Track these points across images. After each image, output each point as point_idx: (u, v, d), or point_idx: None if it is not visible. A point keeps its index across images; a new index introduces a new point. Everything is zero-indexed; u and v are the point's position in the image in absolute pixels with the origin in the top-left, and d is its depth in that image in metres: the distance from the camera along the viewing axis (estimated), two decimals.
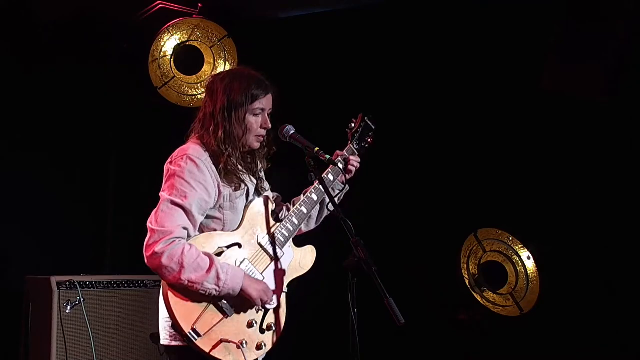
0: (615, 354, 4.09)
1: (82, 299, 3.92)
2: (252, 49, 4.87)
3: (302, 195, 2.86)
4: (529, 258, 4.48)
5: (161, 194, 2.48)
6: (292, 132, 2.72)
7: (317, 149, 2.62)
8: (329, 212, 2.97)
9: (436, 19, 4.68)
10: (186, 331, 2.36)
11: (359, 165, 2.96)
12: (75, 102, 4.94)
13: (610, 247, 4.18)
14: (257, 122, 2.64)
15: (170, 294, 2.40)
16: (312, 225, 2.99)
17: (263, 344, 2.53)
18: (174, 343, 2.47)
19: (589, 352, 4.11)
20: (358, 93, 4.88)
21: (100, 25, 4.88)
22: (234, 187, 2.59)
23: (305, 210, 2.76)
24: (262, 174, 2.83)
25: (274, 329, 2.58)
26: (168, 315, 2.42)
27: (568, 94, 4.20)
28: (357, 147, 3.01)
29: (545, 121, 4.43)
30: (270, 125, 2.68)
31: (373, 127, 3.07)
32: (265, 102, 2.66)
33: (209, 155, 2.56)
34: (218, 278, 2.39)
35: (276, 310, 2.62)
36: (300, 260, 2.77)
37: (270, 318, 2.59)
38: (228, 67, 4.91)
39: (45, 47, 4.73)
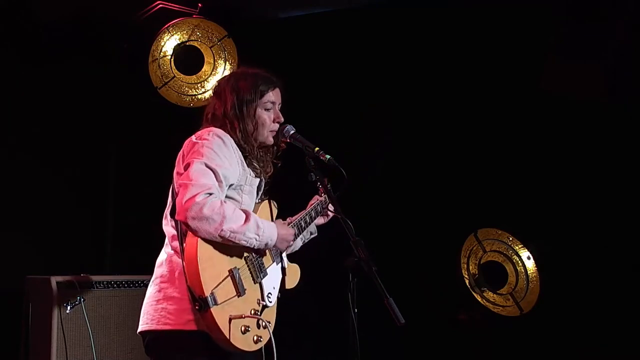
0: (615, 354, 4.09)
1: (82, 299, 3.92)
2: (252, 49, 4.87)
3: (306, 208, 2.91)
4: (529, 258, 4.48)
5: (189, 159, 2.43)
6: (292, 132, 2.73)
7: (317, 148, 2.63)
8: (309, 238, 3.03)
9: (436, 19, 4.68)
10: (207, 294, 2.28)
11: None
12: (75, 102, 4.94)
13: (610, 247, 4.18)
14: (269, 116, 2.67)
15: (200, 251, 2.32)
16: (297, 246, 3.01)
17: (260, 338, 2.50)
18: (159, 327, 2.39)
19: (589, 352, 4.11)
20: (358, 93, 4.89)
21: (100, 25, 4.88)
22: (254, 174, 2.63)
23: (303, 225, 2.84)
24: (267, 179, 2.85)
25: (268, 327, 2.55)
26: (188, 282, 2.33)
27: (568, 94, 4.20)
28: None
29: (545, 121, 4.43)
30: (282, 119, 2.71)
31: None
32: (274, 96, 2.69)
33: (234, 141, 2.58)
34: (257, 226, 2.41)
35: (271, 310, 2.62)
36: (288, 275, 2.79)
37: (266, 315, 2.58)
38: (228, 67, 4.91)
39: (45, 47, 4.72)
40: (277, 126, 2.70)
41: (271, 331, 2.58)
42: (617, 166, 4.20)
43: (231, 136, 2.58)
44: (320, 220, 3.02)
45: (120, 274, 4.30)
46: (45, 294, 3.84)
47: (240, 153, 2.58)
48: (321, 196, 3.01)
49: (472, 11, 4.54)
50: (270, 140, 2.71)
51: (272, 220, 2.75)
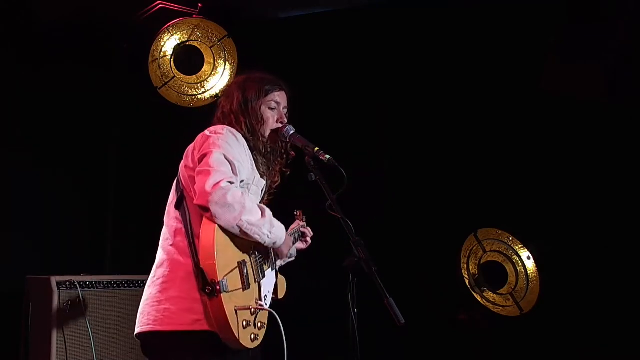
0: (615, 354, 4.09)
1: (82, 299, 3.92)
2: (252, 49, 4.87)
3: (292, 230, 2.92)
4: (529, 258, 4.47)
5: (206, 149, 2.45)
6: (292, 132, 2.75)
7: (317, 149, 2.64)
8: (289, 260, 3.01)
9: (436, 19, 4.68)
10: (219, 278, 2.29)
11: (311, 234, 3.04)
12: (76, 102, 4.94)
13: (610, 247, 4.18)
14: (273, 116, 2.72)
15: (217, 237, 2.33)
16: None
17: (257, 337, 2.49)
18: (163, 327, 2.38)
19: (589, 352, 4.11)
20: (358, 93, 4.88)
21: (100, 25, 4.88)
22: (260, 174, 2.66)
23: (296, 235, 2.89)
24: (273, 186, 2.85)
25: (263, 328, 2.56)
26: (200, 265, 2.32)
27: (568, 94, 4.20)
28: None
29: (545, 121, 4.43)
30: (285, 120, 2.75)
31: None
32: (279, 97, 2.75)
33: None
34: (272, 225, 2.46)
35: (264, 312, 2.61)
36: (279, 284, 2.81)
37: (262, 316, 2.57)
38: (228, 67, 4.91)
39: (45, 47, 4.72)
40: (280, 127, 2.73)
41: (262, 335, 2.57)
42: (617, 166, 4.20)
43: (240, 132, 2.62)
44: (300, 245, 3.01)
45: (120, 274, 4.30)
46: (45, 294, 3.84)
47: (249, 152, 2.62)
48: (302, 220, 3.03)
49: (472, 11, 4.54)
50: (270, 141, 2.73)
51: None
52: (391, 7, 4.77)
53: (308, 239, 3.01)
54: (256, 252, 2.59)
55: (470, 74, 4.62)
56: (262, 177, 2.68)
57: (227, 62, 4.92)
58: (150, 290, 2.52)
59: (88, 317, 3.93)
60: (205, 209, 2.33)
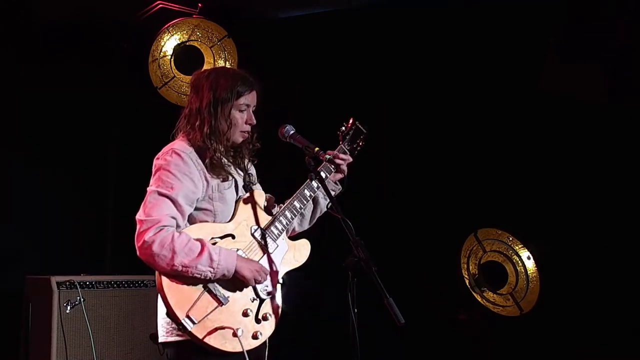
0: (615, 354, 4.09)
1: (82, 299, 3.92)
2: (252, 49, 4.87)
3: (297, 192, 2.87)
4: (529, 258, 4.47)
5: (149, 188, 2.52)
6: (292, 132, 2.74)
7: (317, 148, 2.64)
8: (321, 213, 2.99)
9: (436, 18, 4.67)
10: (181, 318, 2.35)
11: (350, 160, 2.96)
12: (76, 102, 4.94)
13: (610, 247, 4.18)
14: (242, 117, 2.67)
15: (164, 283, 2.40)
16: (306, 225, 2.99)
17: (259, 334, 2.52)
18: (170, 338, 2.47)
19: (589, 352, 4.11)
20: (358, 93, 4.88)
21: (100, 25, 4.88)
22: (221, 178, 2.62)
23: (297, 205, 2.78)
24: (252, 171, 2.86)
25: (269, 319, 2.58)
26: (165, 309, 2.41)
27: (568, 94, 4.20)
28: (348, 148, 3.00)
29: (545, 121, 4.43)
30: (254, 122, 2.71)
31: (364, 131, 3.05)
32: (250, 98, 2.69)
33: (194, 150, 2.60)
34: (211, 259, 2.41)
35: (272, 301, 2.62)
36: (294, 253, 2.78)
37: (266, 308, 2.59)
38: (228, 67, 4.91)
39: (45, 47, 4.72)
40: (248, 127, 2.70)
41: (277, 321, 2.61)
42: (617, 166, 4.20)
43: (195, 138, 2.60)
44: (338, 175, 2.95)
45: (120, 274, 4.30)
46: (45, 294, 3.84)
47: (201, 164, 2.59)
48: (334, 150, 2.94)
49: (472, 11, 4.54)
50: (239, 140, 2.71)
51: (259, 210, 2.72)
52: (391, 7, 4.77)
53: (343, 167, 2.92)
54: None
55: (471, 74, 4.62)
56: (226, 179, 2.64)
57: (227, 62, 4.92)
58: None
59: (88, 317, 3.93)
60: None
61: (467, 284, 4.66)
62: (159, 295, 2.45)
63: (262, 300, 2.59)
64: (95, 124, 5.11)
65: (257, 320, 2.55)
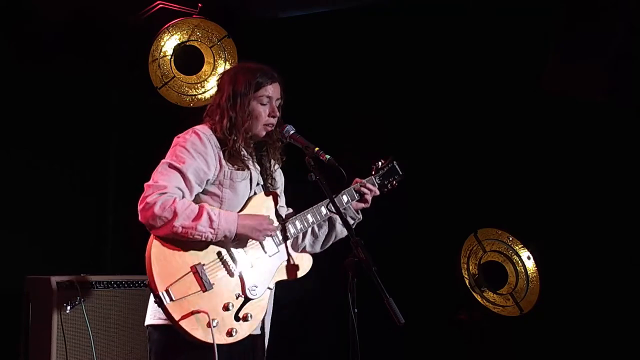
0: (615, 354, 4.09)
1: (82, 299, 3.92)
2: (252, 49, 4.87)
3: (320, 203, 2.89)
4: (529, 258, 4.48)
5: (162, 160, 2.55)
6: (292, 132, 2.74)
7: (317, 149, 2.64)
8: (336, 239, 2.95)
9: (436, 18, 4.67)
10: (159, 291, 2.35)
11: (377, 194, 2.97)
12: (76, 102, 4.93)
13: (610, 247, 4.18)
14: (264, 110, 2.69)
15: (153, 251, 2.40)
16: (318, 248, 2.96)
17: (234, 331, 2.48)
18: (154, 321, 2.49)
19: (589, 352, 4.11)
20: (358, 93, 4.88)
21: (100, 25, 4.88)
22: (236, 167, 2.63)
23: (310, 219, 2.78)
24: (278, 178, 2.86)
25: (249, 320, 2.53)
26: (147, 279, 2.41)
27: (568, 95, 4.20)
28: (378, 182, 3.02)
29: (546, 121, 4.43)
30: (278, 114, 2.72)
31: (400, 173, 3.08)
32: (271, 91, 2.71)
33: (216, 138, 2.62)
34: (210, 219, 2.42)
35: (257, 304, 2.58)
36: (294, 264, 2.72)
37: (249, 308, 2.55)
38: (228, 67, 4.91)
39: (45, 47, 4.72)
40: (272, 120, 2.71)
41: (259, 324, 2.58)
42: (617, 166, 4.20)
43: (216, 130, 2.63)
44: (361, 204, 2.95)
45: (120, 274, 4.30)
46: (45, 294, 3.84)
47: (219, 148, 2.60)
48: (367, 178, 2.96)
49: (473, 11, 4.54)
50: (262, 134, 2.72)
51: (270, 212, 2.71)
52: (391, 7, 4.77)
53: (367, 197, 2.92)
54: (227, 246, 2.56)
55: (471, 74, 4.62)
56: (241, 169, 2.63)
57: (227, 62, 4.92)
58: None
59: (88, 317, 3.93)
60: (146, 225, 2.42)
61: (467, 284, 4.66)
62: (146, 267, 2.43)
63: (247, 300, 2.55)
64: (95, 123, 5.11)
65: (237, 318, 2.51)
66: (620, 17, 4.02)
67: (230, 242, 2.55)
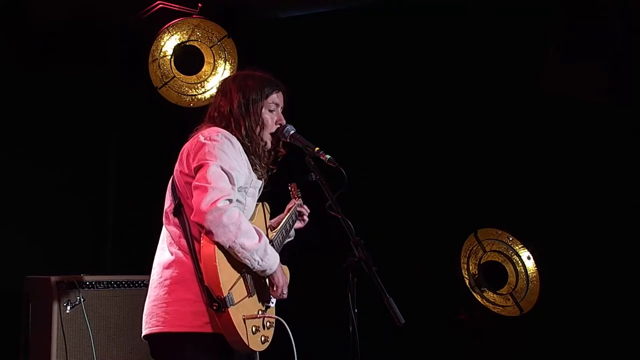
0: (615, 354, 4.09)
1: (82, 299, 3.92)
2: (252, 49, 4.87)
3: (285, 212, 2.98)
4: (529, 258, 4.48)
5: (204, 161, 2.43)
6: (292, 132, 2.75)
7: (317, 148, 2.64)
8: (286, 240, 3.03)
9: (436, 18, 4.68)
10: (224, 294, 2.31)
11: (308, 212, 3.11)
12: (76, 102, 4.93)
13: (610, 247, 4.18)
14: (272, 118, 2.71)
15: (218, 256, 2.35)
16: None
17: (266, 338, 2.53)
18: (187, 329, 2.38)
19: (589, 352, 4.11)
20: (358, 93, 4.88)
21: (100, 25, 4.87)
22: (257, 175, 2.65)
23: (288, 227, 2.93)
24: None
25: (271, 327, 2.59)
26: (205, 281, 2.33)
27: (568, 95, 4.20)
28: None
29: (546, 121, 4.43)
30: (284, 121, 2.74)
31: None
32: (278, 98, 2.73)
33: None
34: (265, 252, 2.42)
35: (272, 310, 2.65)
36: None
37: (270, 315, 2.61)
38: (228, 67, 4.91)
39: (45, 47, 4.72)
40: (277, 128, 2.72)
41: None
42: (617, 166, 4.20)
43: (236, 136, 2.60)
44: (298, 225, 3.05)
45: (120, 274, 4.30)
46: (45, 294, 3.84)
47: (245, 155, 2.60)
48: (297, 199, 3.06)
49: (473, 10, 4.54)
50: (269, 144, 2.73)
51: (266, 223, 2.78)
52: (391, 7, 4.77)
53: (305, 217, 3.04)
54: None
55: (471, 73, 4.62)
56: (259, 178, 2.67)
57: (227, 62, 4.92)
58: (157, 291, 2.49)
59: (88, 317, 3.92)
60: (202, 227, 2.35)
61: (467, 284, 4.66)
62: (199, 268, 2.36)
63: (267, 307, 2.60)
64: (95, 123, 5.10)
65: (264, 325, 2.55)
66: (620, 17, 4.02)
67: None
